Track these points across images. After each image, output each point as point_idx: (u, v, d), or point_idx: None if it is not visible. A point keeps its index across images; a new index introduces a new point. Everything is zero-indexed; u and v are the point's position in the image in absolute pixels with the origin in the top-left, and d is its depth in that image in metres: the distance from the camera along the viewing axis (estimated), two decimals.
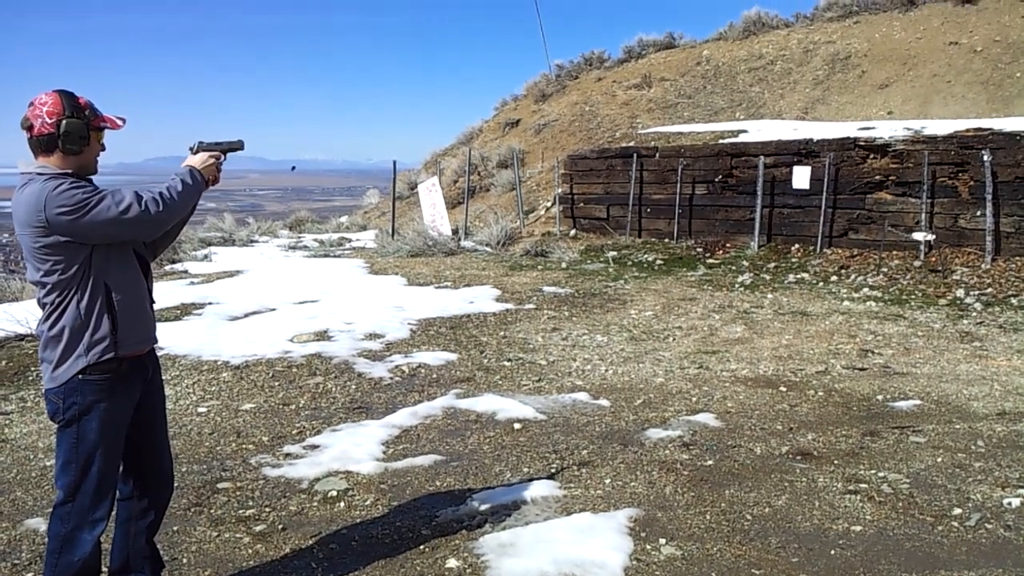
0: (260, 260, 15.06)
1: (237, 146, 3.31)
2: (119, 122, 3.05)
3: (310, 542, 4.06)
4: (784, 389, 6.51)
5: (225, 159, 3.28)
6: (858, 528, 4.12)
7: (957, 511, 4.27)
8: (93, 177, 3.08)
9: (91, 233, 2.87)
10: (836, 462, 4.98)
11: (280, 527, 4.24)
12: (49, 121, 2.88)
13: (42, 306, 3.00)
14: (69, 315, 2.95)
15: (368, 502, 4.53)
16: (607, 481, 4.76)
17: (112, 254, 3.00)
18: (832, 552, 3.87)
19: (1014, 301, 9.48)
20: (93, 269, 2.94)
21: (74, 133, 2.90)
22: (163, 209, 2.97)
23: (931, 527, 4.12)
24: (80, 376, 2.95)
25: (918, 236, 11.12)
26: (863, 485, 4.62)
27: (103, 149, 3.08)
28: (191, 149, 3.23)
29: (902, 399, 6.18)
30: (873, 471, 4.82)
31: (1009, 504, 4.32)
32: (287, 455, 5.26)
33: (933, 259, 11.10)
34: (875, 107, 17.73)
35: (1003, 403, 6.03)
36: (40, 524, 4.23)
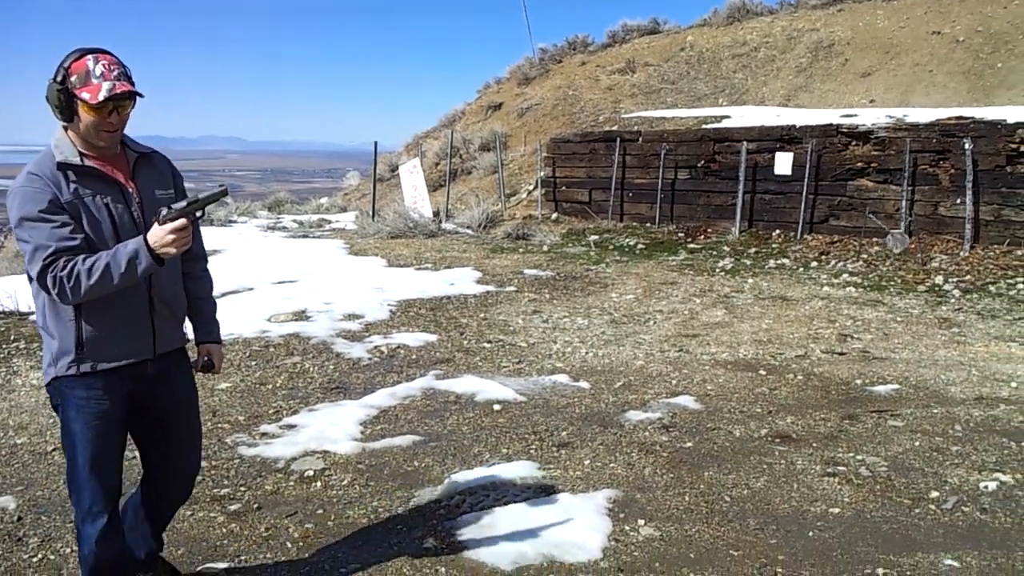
0: (238, 240, 14.90)
1: (216, 197, 2.69)
2: (98, 95, 2.58)
3: (285, 521, 4.02)
4: (764, 373, 6.51)
5: (204, 215, 2.75)
6: (836, 510, 4.12)
7: (934, 494, 4.28)
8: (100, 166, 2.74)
9: None
10: (815, 445, 4.98)
11: (255, 506, 4.18)
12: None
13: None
14: (39, 317, 2.79)
15: (345, 482, 4.49)
16: (586, 462, 4.73)
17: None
18: (810, 534, 3.87)
19: (992, 288, 9.54)
20: None
21: (51, 99, 2.65)
22: (69, 294, 2.58)
23: (908, 510, 4.12)
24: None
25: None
26: (841, 468, 4.62)
27: (113, 126, 2.69)
28: (156, 218, 2.65)
29: (880, 383, 6.19)
30: (851, 454, 4.82)
31: (985, 487, 4.33)
32: (263, 434, 5.20)
33: (912, 247, 11.15)
34: (857, 95, 17.77)
35: (980, 388, 6.05)
36: (9, 503, 4.16)
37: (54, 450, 4.81)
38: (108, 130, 2.68)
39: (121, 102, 2.66)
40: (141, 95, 2.69)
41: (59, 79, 2.61)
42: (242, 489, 4.39)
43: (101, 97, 2.57)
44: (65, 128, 2.71)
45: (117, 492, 2.93)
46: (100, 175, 2.72)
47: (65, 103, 2.63)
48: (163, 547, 3.39)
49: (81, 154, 2.69)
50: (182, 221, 2.61)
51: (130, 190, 2.79)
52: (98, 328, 2.73)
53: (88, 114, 2.63)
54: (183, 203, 2.65)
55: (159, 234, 2.59)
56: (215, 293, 3.34)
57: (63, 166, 2.65)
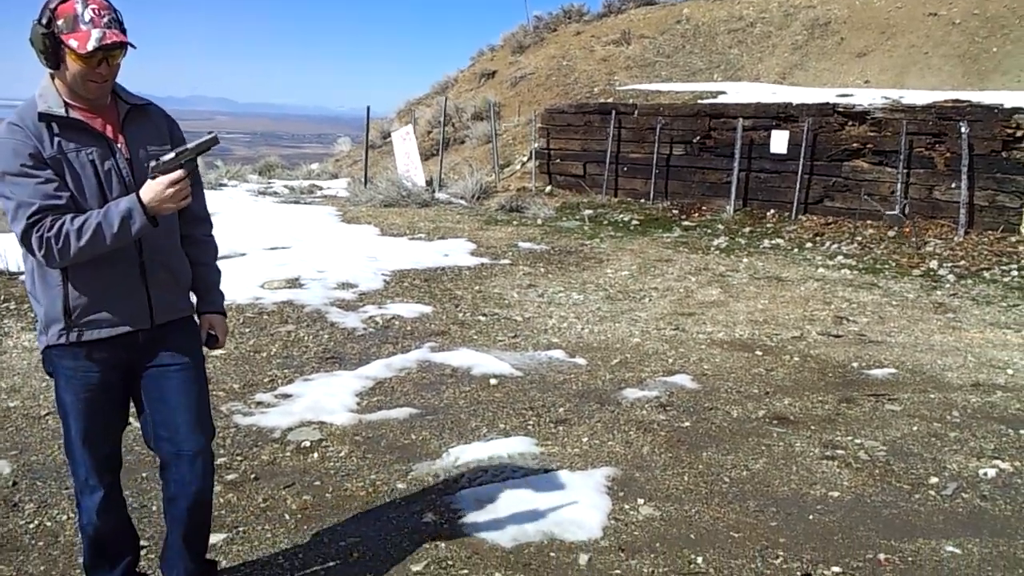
0: (228, 204, 14.75)
1: (207, 146, 2.52)
2: (87, 44, 2.36)
3: (283, 492, 3.98)
4: (760, 353, 6.50)
5: (195, 165, 2.57)
6: (836, 494, 4.11)
7: (933, 480, 4.29)
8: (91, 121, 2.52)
9: None
10: (813, 427, 4.98)
11: (252, 476, 4.14)
12: None
13: None
14: (28, 281, 2.62)
15: (342, 454, 4.45)
16: (584, 439, 4.71)
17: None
18: (810, 517, 3.87)
19: (986, 274, 9.55)
20: None
21: (35, 43, 2.42)
22: (57, 256, 2.42)
23: (908, 495, 4.12)
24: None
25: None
26: (840, 451, 4.62)
27: (103, 77, 2.47)
28: (150, 172, 2.49)
29: (877, 367, 6.19)
30: (850, 437, 4.82)
31: (985, 474, 4.34)
32: (258, 403, 5.15)
33: (907, 230, 11.15)
34: (852, 75, 17.69)
35: (977, 374, 6.06)
36: (4, 467, 4.10)
37: (48, 414, 4.75)
38: (96, 80, 2.46)
39: (111, 52, 2.43)
40: (133, 46, 2.46)
41: (44, 21, 2.37)
42: (239, 459, 4.34)
43: (90, 47, 2.35)
44: (52, 76, 2.50)
45: (115, 462, 2.84)
46: (85, 128, 2.51)
47: (51, 49, 2.40)
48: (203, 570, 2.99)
49: (66, 104, 2.49)
50: (178, 173, 2.45)
51: (118, 144, 2.57)
52: (86, 295, 2.54)
53: (75, 63, 2.40)
54: (171, 154, 2.49)
55: (155, 189, 2.43)
56: None
57: (46, 117, 2.45)
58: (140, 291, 2.63)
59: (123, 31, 2.45)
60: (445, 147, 19.13)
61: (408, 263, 9.60)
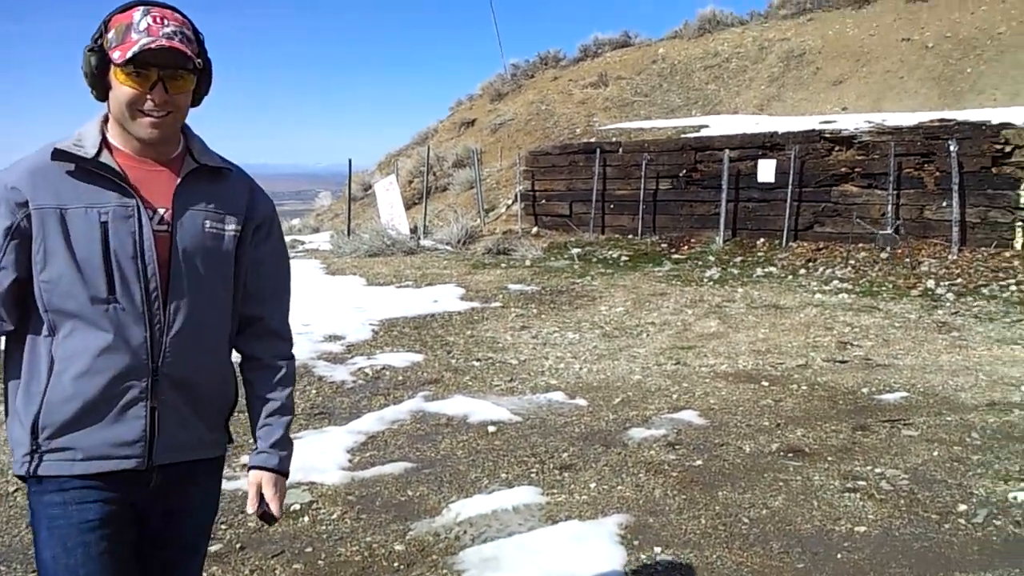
0: None
1: None
2: (128, 52, 1.69)
3: (272, 562, 3.69)
4: (766, 384, 6.27)
5: None
6: (862, 529, 3.86)
7: (962, 507, 4.05)
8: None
9: None
10: (829, 459, 4.74)
11: (238, 546, 3.85)
12: None
13: None
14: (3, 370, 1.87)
15: (335, 516, 4.16)
16: (592, 485, 4.45)
17: (67, 302, 1.73)
18: (839, 556, 3.61)
19: (985, 291, 9.39)
20: (30, 321, 1.78)
21: (84, 66, 1.78)
22: None
23: (937, 525, 3.88)
24: None
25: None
26: (861, 483, 4.38)
27: (158, 107, 1.75)
28: None
29: (888, 391, 5.97)
30: (869, 467, 4.58)
31: (1015, 498, 4.10)
32: (243, 466, 4.85)
33: (900, 252, 11.01)
34: (830, 103, 17.75)
35: (991, 393, 5.85)
36: None
37: (16, 491, 4.45)
38: (146, 112, 1.75)
39: (171, 71, 1.74)
40: (194, 60, 1.76)
41: (96, 37, 1.76)
42: (223, 527, 4.05)
43: (130, 53, 1.68)
44: (106, 118, 1.84)
45: None
46: (110, 178, 1.76)
47: (97, 70, 1.76)
48: None
49: (108, 147, 1.79)
50: None
51: (158, 209, 1.80)
52: (63, 408, 1.74)
53: (121, 84, 1.72)
54: None
55: None
56: None
57: (61, 155, 1.74)
58: (139, 417, 1.79)
59: (194, 48, 1.79)
60: (428, 195, 19.01)
61: (397, 311, 9.35)
